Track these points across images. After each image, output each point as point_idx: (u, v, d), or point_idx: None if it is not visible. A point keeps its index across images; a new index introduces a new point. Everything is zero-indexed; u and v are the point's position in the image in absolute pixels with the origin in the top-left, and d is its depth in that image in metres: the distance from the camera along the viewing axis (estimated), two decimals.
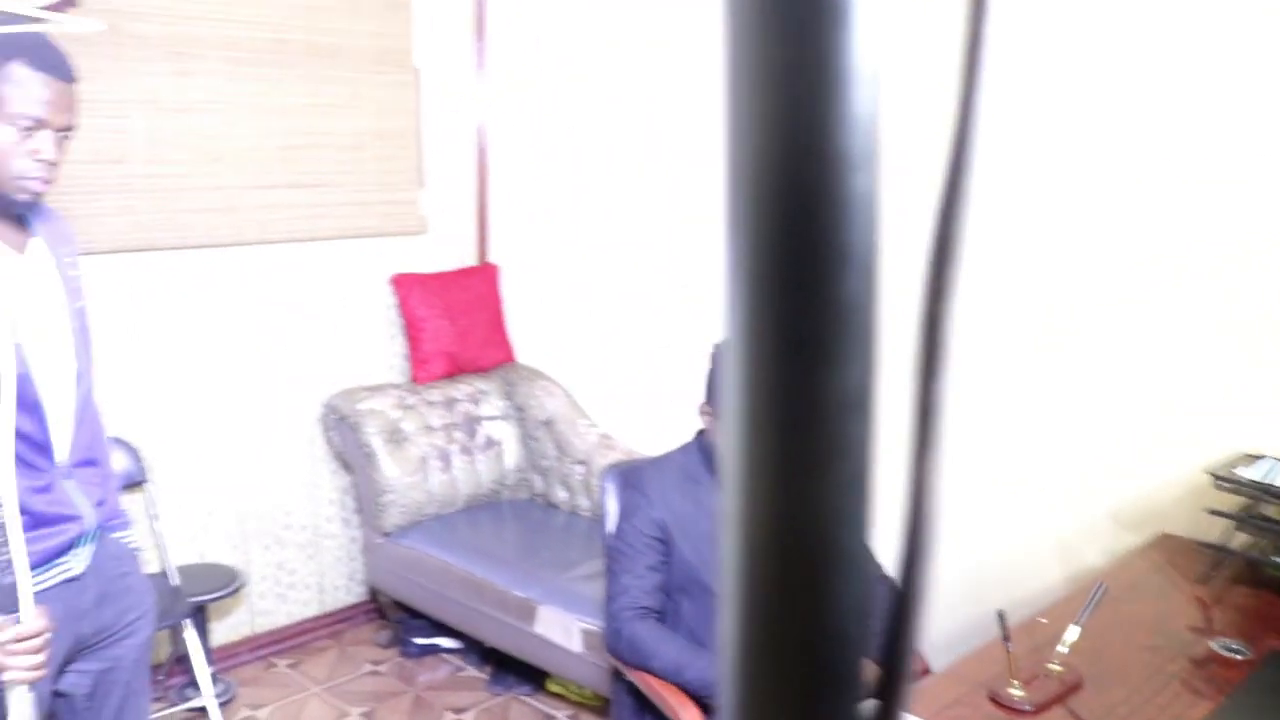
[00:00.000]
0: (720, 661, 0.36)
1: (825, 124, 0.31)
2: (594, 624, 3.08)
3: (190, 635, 3.27)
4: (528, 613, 3.29)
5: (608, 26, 3.74)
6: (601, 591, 2.95)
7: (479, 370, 4.17)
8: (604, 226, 3.85)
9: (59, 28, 1.83)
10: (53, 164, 1.84)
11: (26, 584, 1.58)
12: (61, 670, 1.99)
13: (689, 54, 3.47)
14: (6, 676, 1.58)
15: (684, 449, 2.53)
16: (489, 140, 4.23)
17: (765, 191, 0.32)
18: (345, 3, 3.88)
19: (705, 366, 2.43)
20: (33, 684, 1.61)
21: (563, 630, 3.19)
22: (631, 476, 2.59)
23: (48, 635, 1.60)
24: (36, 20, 1.66)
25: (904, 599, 0.36)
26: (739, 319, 0.33)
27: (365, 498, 3.87)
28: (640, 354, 3.77)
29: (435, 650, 3.90)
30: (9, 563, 1.57)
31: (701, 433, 2.50)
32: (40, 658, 1.58)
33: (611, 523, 2.60)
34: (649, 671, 2.35)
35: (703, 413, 2.44)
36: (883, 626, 0.36)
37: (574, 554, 3.52)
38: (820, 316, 0.32)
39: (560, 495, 3.99)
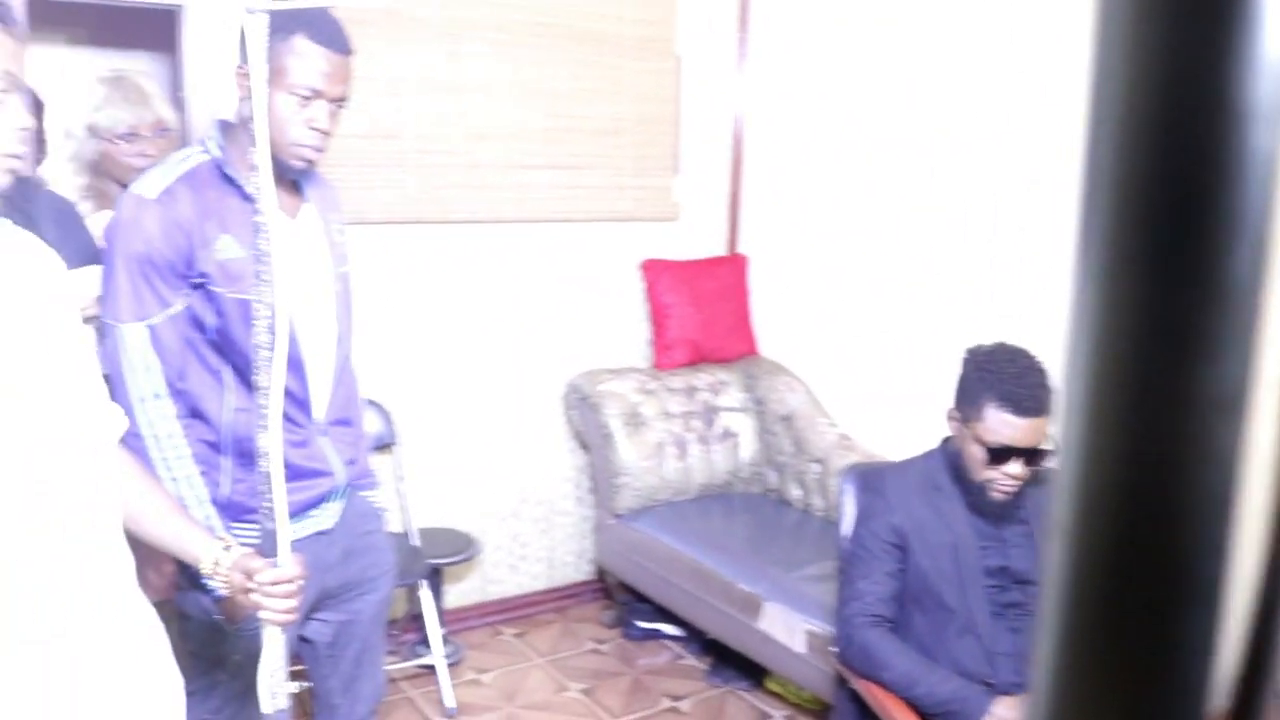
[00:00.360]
0: (1032, 687, 0.31)
1: (1227, 67, 0.25)
2: (818, 625, 3.02)
3: (425, 595, 3.40)
4: (752, 608, 3.25)
5: (872, 16, 3.64)
6: (829, 593, 2.89)
7: (721, 360, 4.15)
8: (856, 222, 3.76)
9: (341, 4, 1.91)
10: (325, 133, 1.92)
11: (285, 531, 1.65)
12: (307, 618, 2.09)
13: (956, 43, 3.34)
14: (263, 615, 1.65)
15: (928, 456, 2.43)
16: (745, 130, 4.20)
17: (1142, 146, 0.27)
18: None
19: (955, 371, 2.33)
20: (285, 626, 1.69)
21: (786, 629, 3.14)
22: (872, 479, 2.51)
23: (302, 582, 1.67)
24: None
25: (1260, 644, 0.30)
26: (1092, 297, 0.28)
27: (600, 478, 3.92)
28: (886, 355, 3.67)
29: (657, 635, 3.92)
30: (271, 510, 1.64)
31: (947, 440, 2.40)
32: (294, 602, 1.65)
33: (848, 525, 2.53)
34: (879, 682, 2.28)
35: (950, 419, 2.34)
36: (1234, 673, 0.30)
37: (804, 553, 3.46)
38: (1198, 297, 0.26)
39: (794, 492, 3.93)
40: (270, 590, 1.62)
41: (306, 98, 1.87)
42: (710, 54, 4.19)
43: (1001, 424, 2.19)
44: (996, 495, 2.27)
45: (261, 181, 1.57)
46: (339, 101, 1.92)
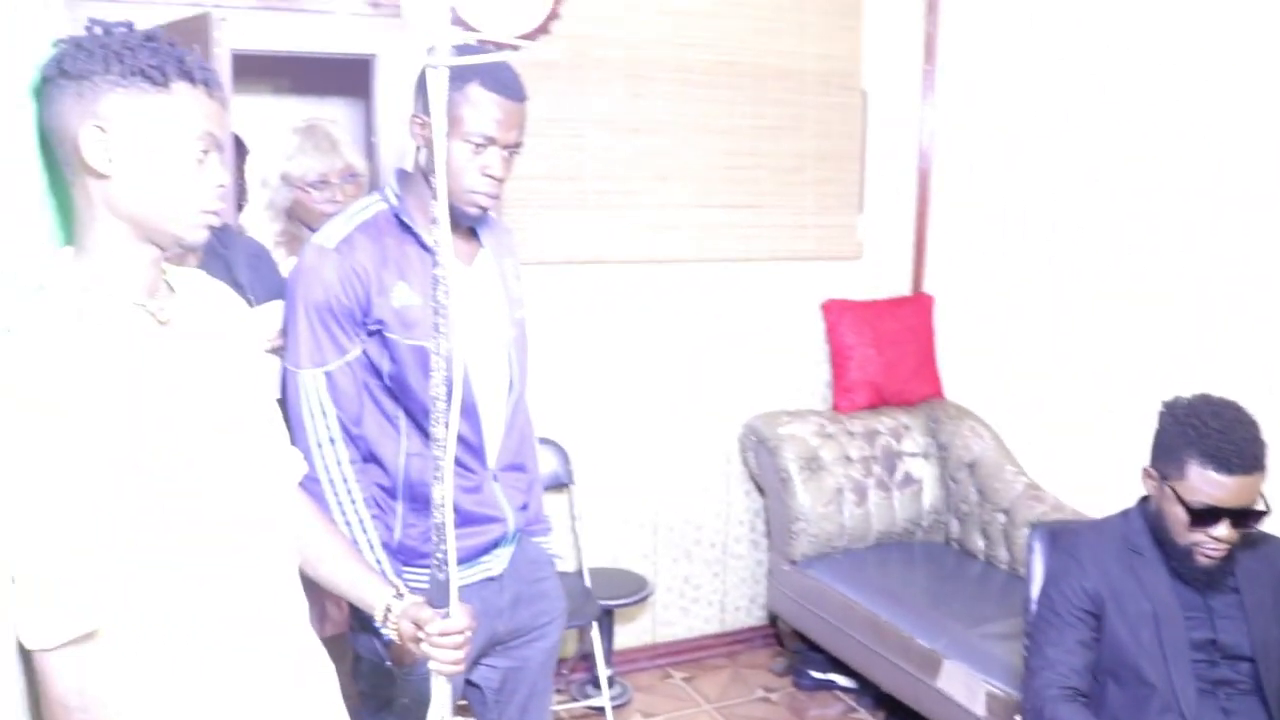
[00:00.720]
0: None
1: None
2: (1001, 688, 2.87)
3: (596, 636, 3.38)
4: (931, 665, 3.12)
5: (1063, 52, 3.48)
6: (1013, 653, 2.74)
7: (904, 404, 4.03)
8: (1047, 262, 3.59)
9: (513, 54, 1.92)
10: (499, 180, 1.92)
11: (455, 582, 1.65)
12: (475, 663, 2.09)
13: (1153, 72, 3.16)
14: (431, 665, 1.65)
15: (1125, 515, 2.28)
16: (932, 166, 4.08)
17: None
18: (794, 25, 3.89)
19: (1153, 425, 2.18)
20: (453, 676, 1.69)
21: (966, 690, 3.00)
22: (1063, 538, 2.37)
23: (470, 633, 1.66)
24: (503, 46, 1.74)
25: None
26: None
27: (776, 523, 3.85)
28: (1080, 402, 3.48)
29: (830, 686, 3.81)
30: (443, 560, 1.64)
31: (1146, 499, 2.24)
32: (462, 653, 1.64)
33: (1037, 586, 2.39)
34: None
35: (1147, 477, 2.19)
36: None
37: (987, 608, 3.30)
38: None
39: (978, 543, 3.77)
40: (439, 641, 1.62)
41: (480, 145, 1.88)
42: (896, 88, 4.10)
43: (1205, 483, 2.04)
44: (1203, 561, 2.11)
45: (440, 234, 1.57)
46: (513, 148, 1.92)
